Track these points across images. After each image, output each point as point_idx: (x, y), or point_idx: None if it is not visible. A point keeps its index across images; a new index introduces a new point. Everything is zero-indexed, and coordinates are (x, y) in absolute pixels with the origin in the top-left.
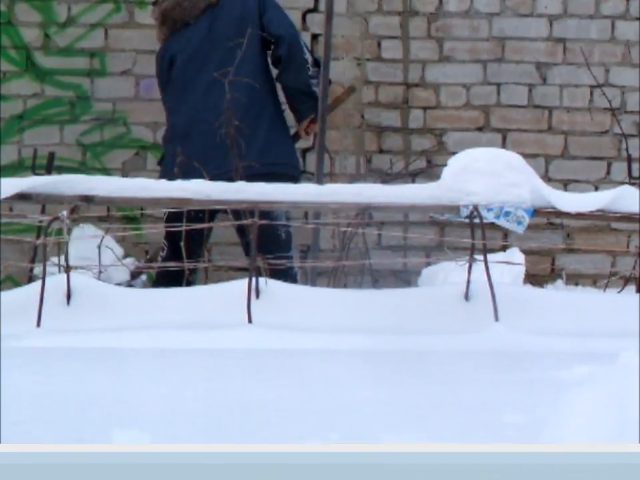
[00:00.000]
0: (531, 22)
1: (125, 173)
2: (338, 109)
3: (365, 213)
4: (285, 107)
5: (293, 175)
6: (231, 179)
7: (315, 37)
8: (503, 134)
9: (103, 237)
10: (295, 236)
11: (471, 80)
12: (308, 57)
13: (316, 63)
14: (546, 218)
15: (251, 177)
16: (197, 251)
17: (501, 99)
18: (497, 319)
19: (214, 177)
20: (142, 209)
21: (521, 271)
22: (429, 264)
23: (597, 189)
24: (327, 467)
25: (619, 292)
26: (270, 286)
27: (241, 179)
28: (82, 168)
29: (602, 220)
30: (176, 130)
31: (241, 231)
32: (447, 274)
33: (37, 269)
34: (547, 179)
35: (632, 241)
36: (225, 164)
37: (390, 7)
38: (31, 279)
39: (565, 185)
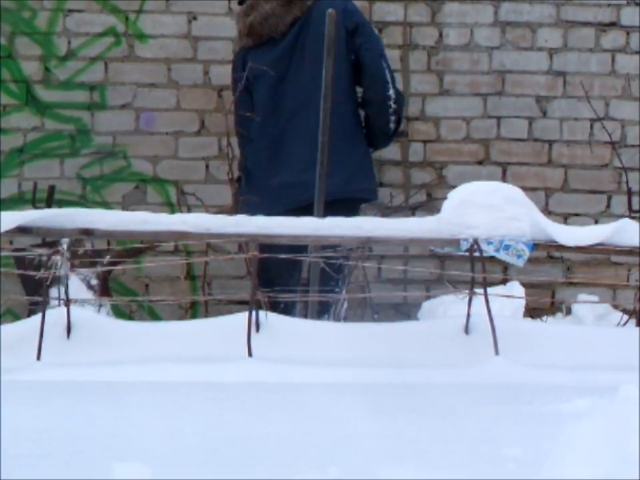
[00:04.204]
0: (531, 55)
1: (125, 207)
2: None
3: (365, 247)
4: None
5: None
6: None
7: None
8: (503, 167)
9: None
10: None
11: (471, 113)
12: (391, 92)
13: (398, 92)
14: (546, 251)
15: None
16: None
17: (501, 133)
18: (496, 352)
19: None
20: (142, 243)
21: (521, 304)
22: (429, 297)
23: (597, 222)
24: None
25: (618, 325)
26: (270, 319)
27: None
28: (82, 201)
29: (602, 253)
30: (258, 156)
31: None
32: (447, 307)
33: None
34: (547, 212)
35: (632, 274)
36: (310, 192)
37: (390, 40)
38: (31, 312)
39: (565, 218)
